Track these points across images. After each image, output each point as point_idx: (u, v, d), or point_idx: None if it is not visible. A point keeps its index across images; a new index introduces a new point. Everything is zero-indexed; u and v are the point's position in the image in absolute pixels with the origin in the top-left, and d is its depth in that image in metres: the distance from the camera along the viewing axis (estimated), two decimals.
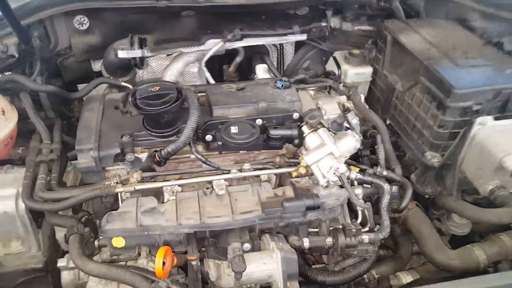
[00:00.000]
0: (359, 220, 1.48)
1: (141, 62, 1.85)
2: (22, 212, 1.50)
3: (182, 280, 1.37)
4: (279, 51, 2.43)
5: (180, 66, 2.21)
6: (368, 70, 2.15)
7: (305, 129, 1.50)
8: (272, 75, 2.21)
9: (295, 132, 1.50)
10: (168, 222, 1.30)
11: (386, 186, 1.41)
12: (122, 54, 1.75)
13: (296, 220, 1.34)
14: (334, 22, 2.12)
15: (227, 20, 2.07)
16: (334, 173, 1.34)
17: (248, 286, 1.31)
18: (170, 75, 2.19)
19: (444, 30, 2.01)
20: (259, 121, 1.59)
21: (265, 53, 2.36)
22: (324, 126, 1.51)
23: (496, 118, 1.59)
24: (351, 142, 1.42)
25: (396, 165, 1.61)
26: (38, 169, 1.56)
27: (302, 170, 1.44)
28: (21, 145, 1.73)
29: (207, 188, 1.39)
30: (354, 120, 1.48)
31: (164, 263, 1.21)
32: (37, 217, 1.58)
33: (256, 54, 2.35)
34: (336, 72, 2.17)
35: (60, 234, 1.66)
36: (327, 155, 1.39)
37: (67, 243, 1.40)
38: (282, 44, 2.39)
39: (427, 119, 1.74)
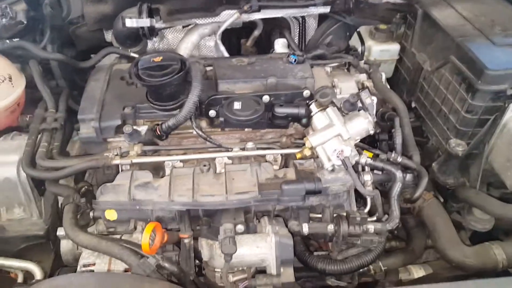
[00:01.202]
0: (367, 209, 1.37)
1: (150, 32, 1.78)
2: (23, 179, 1.51)
3: (175, 257, 1.34)
4: (301, 25, 2.29)
5: (195, 39, 2.12)
6: (394, 47, 1.99)
7: (313, 107, 1.39)
8: (291, 50, 2.08)
9: (302, 110, 1.39)
10: (160, 197, 1.26)
11: (399, 173, 1.29)
12: (129, 23, 1.69)
13: (295, 204, 1.25)
14: None
15: None
16: (337, 156, 1.23)
17: (241, 269, 1.24)
18: (185, 48, 2.11)
19: (484, 4, 1.81)
20: (266, 98, 1.48)
21: (285, 27, 2.24)
22: (335, 106, 1.40)
23: None
24: (363, 123, 1.30)
25: (414, 151, 1.47)
26: (41, 137, 1.55)
27: (307, 152, 1.34)
28: (31, 113, 1.73)
29: (205, 166, 1.32)
30: (368, 100, 1.35)
31: (153, 240, 1.17)
32: (39, 185, 1.58)
33: (276, 28, 2.23)
34: (359, 48, 2.01)
35: None
36: (334, 137, 1.28)
37: (61, 211, 1.39)
38: (304, 17, 2.25)
39: (454, 103, 1.59)
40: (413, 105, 1.92)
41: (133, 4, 1.84)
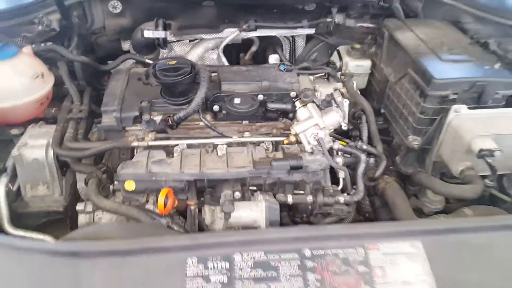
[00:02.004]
0: (340, 186, 1.69)
1: (164, 43, 2.12)
2: (50, 159, 1.75)
3: (182, 224, 1.63)
4: (291, 44, 2.67)
5: (200, 51, 2.47)
6: (367, 63, 2.36)
7: (297, 103, 1.73)
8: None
9: (289, 106, 1.74)
10: (173, 170, 1.55)
11: (363, 156, 1.63)
12: (147, 34, 2.02)
13: (281, 176, 1.57)
14: (338, 18, 2.34)
15: (243, 12, 2.32)
16: (314, 138, 1.57)
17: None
18: (191, 59, 2.45)
19: (436, 29, 2.21)
20: (260, 97, 1.83)
21: (278, 44, 2.61)
22: (315, 103, 1.74)
23: (470, 108, 1.78)
24: (335, 116, 1.65)
25: (378, 143, 1.82)
26: (68, 124, 1.85)
27: (292, 138, 1.67)
28: (55, 106, 2.03)
29: (209, 147, 1.64)
30: (339, 98, 1.70)
31: (165, 203, 1.46)
32: (62, 166, 1.84)
33: (270, 45, 2.60)
34: (338, 63, 2.38)
35: (81, 184, 1.87)
36: (313, 126, 1.62)
37: (86, 185, 1.67)
38: (294, 37, 2.64)
39: (412, 106, 1.94)
40: (382, 111, 2.29)
41: (148, 19, 2.19)
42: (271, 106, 1.75)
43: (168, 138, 1.81)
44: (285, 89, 1.87)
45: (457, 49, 2.01)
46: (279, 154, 1.64)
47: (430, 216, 1.77)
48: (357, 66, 2.36)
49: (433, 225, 1.23)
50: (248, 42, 2.50)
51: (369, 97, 2.43)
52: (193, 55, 2.46)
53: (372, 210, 1.95)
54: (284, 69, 1.96)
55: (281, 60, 2.46)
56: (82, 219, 1.74)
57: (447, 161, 1.85)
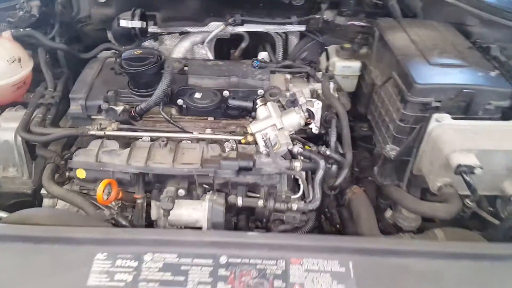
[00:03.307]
0: (300, 193, 1.59)
1: (141, 34, 2.08)
2: (19, 142, 1.77)
3: (131, 217, 1.58)
4: (283, 41, 2.57)
5: (187, 45, 2.43)
6: (355, 64, 2.22)
7: (258, 102, 1.64)
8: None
9: (250, 104, 1.66)
10: (120, 162, 1.51)
11: (322, 162, 1.52)
12: (123, 23, 1.99)
13: (228, 176, 1.49)
14: (328, 15, 2.23)
15: (228, 5, 2.26)
16: (262, 137, 1.48)
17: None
18: (178, 52, 2.41)
19: (433, 31, 2.04)
20: (226, 93, 1.75)
21: (269, 41, 2.52)
22: (279, 102, 1.65)
23: (455, 118, 1.61)
24: (295, 117, 1.55)
25: (348, 150, 1.69)
26: (38, 110, 1.85)
27: (250, 138, 1.58)
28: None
29: (163, 141, 1.58)
30: (302, 99, 1.59)
31: (108, 194, 1.42)
32: (33, 150, 1.84)
33: (262, 42, 2.52)
34: (325, 63, 2.26)
35: None
36: (270, 126, 1.53)
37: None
38: (287, 34, 2.54)
39: (393, 113, 1.80)
40: (369, 117, 2.15)
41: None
42: (232, 102, 1.67)
43: (132, 130, 1.77)
44: (253, 86, 1.78)
45: (451, 52, 1.84)
46: (233, 153, 1.56)
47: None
48: (345, 67, 2.22)
49: (370, 243, 1.11)
50: (240, 38, 2.43)
51: (358, 101, 2.30)
52: (180, 48, 2.42)
53: (340, 221, 1.83)
54: (257, 66, 1.87)
55: (270, 59, 2.37)
56: (46, 203, 1.75)
57: (426, 174, 1.69)
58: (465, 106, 1.67)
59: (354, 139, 2.21)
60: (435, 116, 1.63)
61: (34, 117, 1.82)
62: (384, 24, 2.10)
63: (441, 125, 1.63)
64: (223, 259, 1.08)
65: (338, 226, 1.89)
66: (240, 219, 1.67)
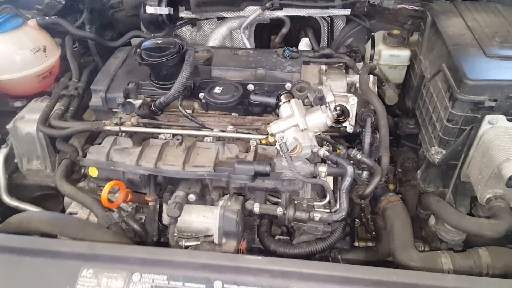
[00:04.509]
0: (325, 200, 1.42)
1: (170, 20, 1.97)
2: (41, 135, 1.74)
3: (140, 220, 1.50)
4: (329, 26, 2.36)
5: (224, 31, 2.30)
6: (404, 53, 1.98)
7: (282, 98, 1.47)
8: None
9: (273, 100, 1.49)
10: (130, 161, 1.42)
11: (349, 168, 1.33)
12: (150, 10, 1.89)
13: (243, 182, 1.35)
14: None
15: None
16: (278, 142, 1.31)
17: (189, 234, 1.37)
18: (214, 39, 2.30)
19: (496, 16, 1.74)
20: (250, 86, 1.60)
21: (313, 26, 2.33)
22: (308, 100, 1.47)
23: (510, 120, 1.37)
24: (321, 117, 1.37)
25: (385, 153, 1.48)
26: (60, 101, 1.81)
27: (271, 139, 1.42)
28: None
29: (177, 140, 1.47)
30: (330, 96, 1.40)
31: (112, 194, 1.34)
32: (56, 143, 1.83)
33: (305, 27, 2.33)
34: (370, 52, 2.03)
35: None
36: (292, 127, 1.36)
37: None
38: (332, 19, 2.33)
39: (440, 111, 1.56)
40: (416, 113, 1.90)
41: None
42: (254, 98, 1.51)
43: (151, 124, 1.68)
44: (281, 79, 1.61)
45: None
46: (251, 155, 1.41)
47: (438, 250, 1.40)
48: (392, 56, 1.99)
49: (383, 275, 0.93)
50: (281, 23, 2.25)
51: (406, 94, 2.06)
52: (217, 35, 2.30)
53: (375, 230, 1.65)
54: (289, 56, 1.69)
55: (312, 47, 2.18)
56: (66, 200, 1.69)
57: (474, 184, 1.47)
58: None
59: (399, 137, 2.00)
60: (488, 117, 1.40)
61: (57, 109, 1.79)
62: (439, 8, 1.83)
63: (495, 128, 1.40)
64: (217, 285, 0.96)
65: (374, 233, 1.71)
66: (262, 223, 1.54)
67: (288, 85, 1.57)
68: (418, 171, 1.69)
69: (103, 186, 1.55)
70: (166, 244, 1.43)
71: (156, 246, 1.45)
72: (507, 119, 1.37)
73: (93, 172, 1.48)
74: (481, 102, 1.39)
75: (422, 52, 1.88)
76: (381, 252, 1.58)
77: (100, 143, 1.57)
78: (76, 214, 1.50)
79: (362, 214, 1.79)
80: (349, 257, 1.58)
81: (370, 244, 1.74)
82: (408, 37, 1.98)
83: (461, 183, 1.56)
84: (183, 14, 2.19)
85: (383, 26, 2.15)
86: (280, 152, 1.32)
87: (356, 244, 1.75)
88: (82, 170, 1.61)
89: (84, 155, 1.63)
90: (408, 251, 1.35)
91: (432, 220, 1.66)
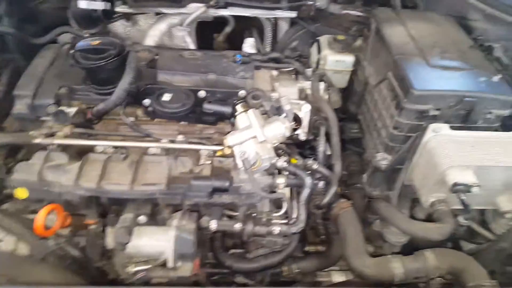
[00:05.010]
0: (282, 211, 1.39)
1: (105, 16, 1.80)
2: None
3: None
4: (273, 27, 2.32)
5: (163, 27, 2.15)
6: (349, 58, 2.00)
7: (238, 108, 1.41)
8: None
9: (228, 109, 1.42)
10: (67, 181, 1.26)
11: (307, 179, 1.31)
12: (82, 4, 1.71)
13: (200, 200, 1.27)
14: (321, 1, 1.98)
15: None
16: (240, 157, 1.26)
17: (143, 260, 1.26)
18: (153, 35, 2.14)
19: (434, 25, 1.82)
20: (202, 93, 1.51)
21: (257, 27, 2.27)
22: (263, 108, 1.42)
23: (453, 128, 1.44)
24: (280, 128, 1.33)
25: (337, 161, 1.49)
26: None
27: (227, 151, 1.36)
28: None
29: (122, 154, 1.34)
30: (287, 106, 1.38)
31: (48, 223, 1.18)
32: None
33: (249, 27, 2.26)
34: (315, 56, 2.03)
35: None
36: (250, 138, 1.31)
37: None
38: (276, 20, 2.29)
39: (386, 118, 1.61)
40: (360, 117, 1.95)
41: None
42: (207, 107, 1.43)
43: (89, 134, 1.52)
44: (234, 85, 1.55)
45: (452, 52, 1.63)
46: (207, 169, 1.33)
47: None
48: (337, 61, 2.00)
49: None
50: (225, 22, 2.17)
51: (349, 99, 2.09)
52: (155, 31, 2.14)
53: (326, 236, 1.66)
54: (240, 60, 1.63)
55: (257, 48, 2.12)
56: None
57: (418, 188, 1.53)
58: (464, 114, 1.50)
59: (343, 141, 2.03)
60: (432, 126, 1.46)
61: None
62: (382, 15, 1.87)
63: (438, 136, 1.46)
64: None
65: (322, 237, 1.73)
66: (215, 237, 1.47)
67: (242, 92, 1.51)
68: (364, 175, 1.73)
69: (34, 208, 1.37)
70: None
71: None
72: (450, 127, 1.44)
73: (22, 193, 1.29)
74: (426, 111, 1.45)
75: (366, 58, 1.92)
76: (333, 256, 1.59)
77: (27, 159, 1.38)
78: (1, 241, 1.30)
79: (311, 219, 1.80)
80: (303, 265, 1.57)
81: (320, 247, 1.76)
82: (352, 43, 2.01)
83: (403, 186, 1.63)
84: (119, 8, 2.01)
85: (327, 30, 2.16)
86: (243, 168, 1.26)
87: (307, 248, 1.76)
88: (6, 190, 1.39)
89: (8, 173, 1.43)
90: (361, 258, 1.38)
91: (377, 222, 1.72)
